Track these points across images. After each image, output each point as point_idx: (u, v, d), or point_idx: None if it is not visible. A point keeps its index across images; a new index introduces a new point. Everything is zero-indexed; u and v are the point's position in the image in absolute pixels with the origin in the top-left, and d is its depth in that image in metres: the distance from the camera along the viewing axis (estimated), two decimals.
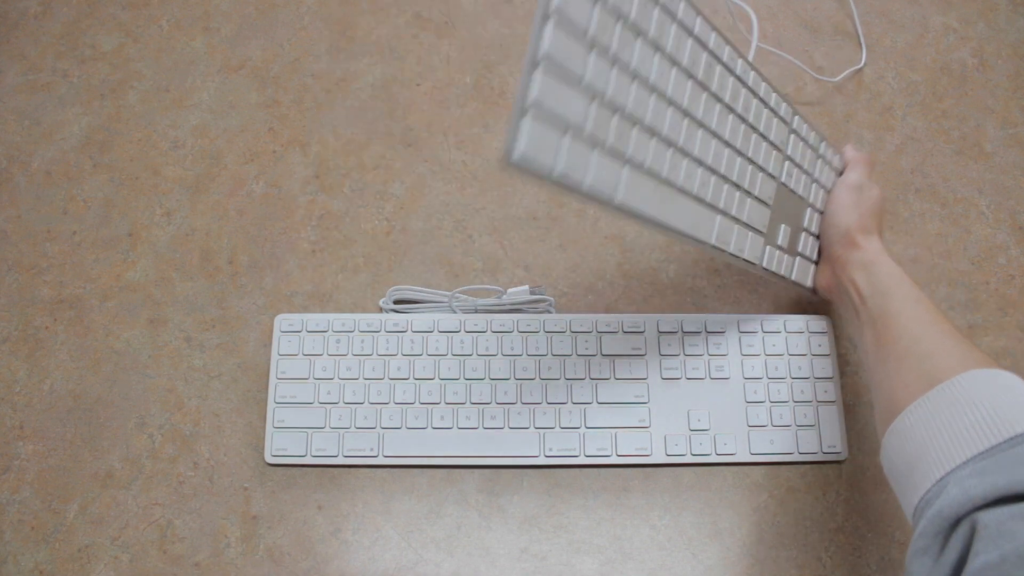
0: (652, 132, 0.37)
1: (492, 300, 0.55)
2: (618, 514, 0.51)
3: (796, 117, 0.50)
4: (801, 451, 0.52)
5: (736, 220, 0.45)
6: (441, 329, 0.53)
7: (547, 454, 0.51)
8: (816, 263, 0.53)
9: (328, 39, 0.65)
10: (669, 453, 0.51)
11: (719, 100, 0.42)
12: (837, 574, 0.50)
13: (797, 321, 0.55)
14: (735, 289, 0.58)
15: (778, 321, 0.55)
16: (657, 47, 0.37)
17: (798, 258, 0.51)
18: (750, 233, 0.46)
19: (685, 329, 0.54)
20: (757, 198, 0.46)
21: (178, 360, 0.55)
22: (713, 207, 0.43)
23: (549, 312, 0.55)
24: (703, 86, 0.41)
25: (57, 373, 0.54)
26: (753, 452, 0.51)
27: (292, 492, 0.51)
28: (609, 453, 0.51)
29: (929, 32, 0.66)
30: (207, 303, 0.56)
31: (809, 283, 0.53)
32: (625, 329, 0.54)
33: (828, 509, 0.51)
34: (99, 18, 0.65)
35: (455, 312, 0.54)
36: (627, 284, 0.57)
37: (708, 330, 0.54)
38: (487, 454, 0.51)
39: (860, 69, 0.64)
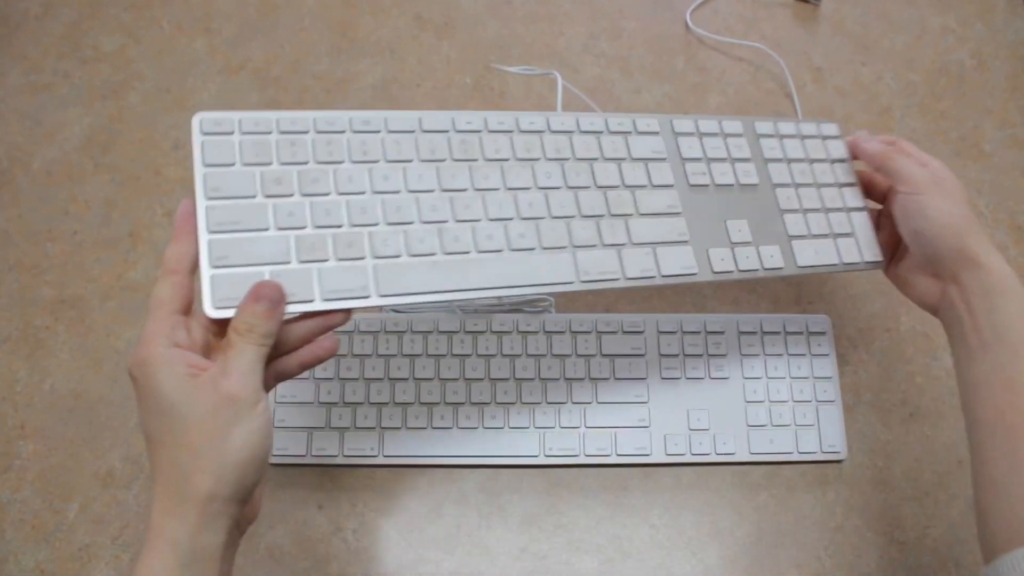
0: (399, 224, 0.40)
1: (492, 300, 0.55)
2: (617, 513, 0.51)
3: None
4: (801, 451, 0.52)
5: (612, 246, 0.44)
6: (441, 329, 0.53)
7: (547, 454, 0.51)
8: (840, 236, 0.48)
9: (329, 40, 0.65)
10: (669, 453, 0.51)
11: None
12: (836, 574, 0.50)
13: (796, 321, 0.55)
14: (734, 289, 0.58)
15: (777, 321, 0.55)
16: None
17: (834, 238, 0.47)
18: (657, 249, 0.45)
19: (685, 329, 0.54)
20: (651, 214, 0.45)
21: None
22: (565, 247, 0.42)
23: (549, 312, 0.55)
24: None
25: (58, 373, 0.54)
26: (753, 452, 0.52)
27: (292, 492, 0.51)
28: (609, 453, 0.51)
29: (927, 33, 0.66)
30: None
31: (868, 257, 0.47)
32: (625, 329, 0.54)
33: (827, 509, 0.51)
34: (101, 19, 0.65)
35: (455, 312, 0.55)
36: None
37: (708, 330, 0.54)
38: (487, 454, 0.51)
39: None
